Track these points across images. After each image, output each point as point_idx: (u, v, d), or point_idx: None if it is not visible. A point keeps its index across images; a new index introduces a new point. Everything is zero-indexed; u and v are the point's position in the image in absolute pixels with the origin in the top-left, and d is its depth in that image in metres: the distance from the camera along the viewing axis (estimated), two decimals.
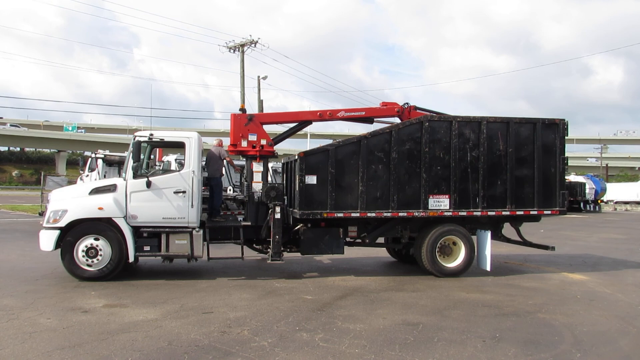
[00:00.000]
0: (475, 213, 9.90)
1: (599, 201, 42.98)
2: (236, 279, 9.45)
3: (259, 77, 36.93)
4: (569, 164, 10.78)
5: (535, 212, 10.18)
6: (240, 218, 11.23)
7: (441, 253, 10.00)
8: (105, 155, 18.14)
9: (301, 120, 11.05)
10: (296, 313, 7.00)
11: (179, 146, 10.14)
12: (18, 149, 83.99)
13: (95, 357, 5.15)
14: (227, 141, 11.19)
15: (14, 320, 6.41)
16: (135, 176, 9.16)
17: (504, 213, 10.04)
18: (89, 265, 8.87)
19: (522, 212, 10.11)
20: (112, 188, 9.19)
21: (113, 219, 9.00)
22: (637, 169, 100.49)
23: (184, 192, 9.25)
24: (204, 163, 10.71)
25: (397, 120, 11.01)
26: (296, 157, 9.67)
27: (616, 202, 50.51)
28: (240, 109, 10.72)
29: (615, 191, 50.42)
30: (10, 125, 75.44)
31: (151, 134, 9.43)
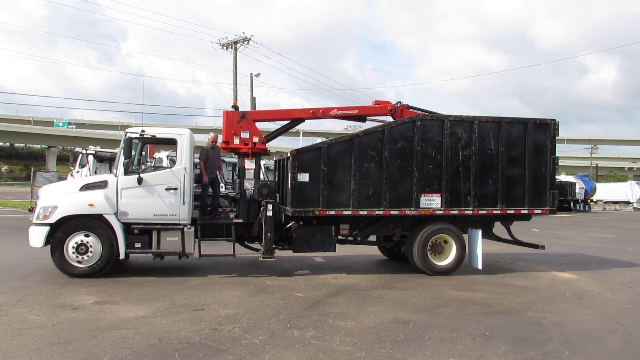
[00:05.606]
0: (466, 212, 9.95)
1: (588, 201, 43.42)
2: (227, 277, 9.44)
3: (251, 74, 36.81)
4: (560, 164, 10.86)
5: (526, 211, 10.26)
6: (232, 215, 11.21)
7: (432, 251, 10.05)
8: (96, 151, 18.01)
9: (294, 118, 11.03)
10: (287, 310, 7.00)
11: (170, 143, 10.11)
12: (8, 144, 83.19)
13: (85, 354, 5.13)
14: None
15: (2, 317, 6.36)
16: (126, 173, 9.12)
17: (495, 212, 10.10)
18: (79, 262, 8.82)
19: (512, 211, 10.18)
20: (103, 184, 9.14)
21: (104, 215, 8.95)
22: (626, 169, 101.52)
23: (175, 189, 9.22)
24: (195, 160, 10.67)
25: (389, 119, 11.04)
26: (289, 154, 9.65)
27: (605, 202, 51.07)
28: (232, 106, 10.71)
29: (605, 191, 50.98)
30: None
31: (143, 131, 9.36)
